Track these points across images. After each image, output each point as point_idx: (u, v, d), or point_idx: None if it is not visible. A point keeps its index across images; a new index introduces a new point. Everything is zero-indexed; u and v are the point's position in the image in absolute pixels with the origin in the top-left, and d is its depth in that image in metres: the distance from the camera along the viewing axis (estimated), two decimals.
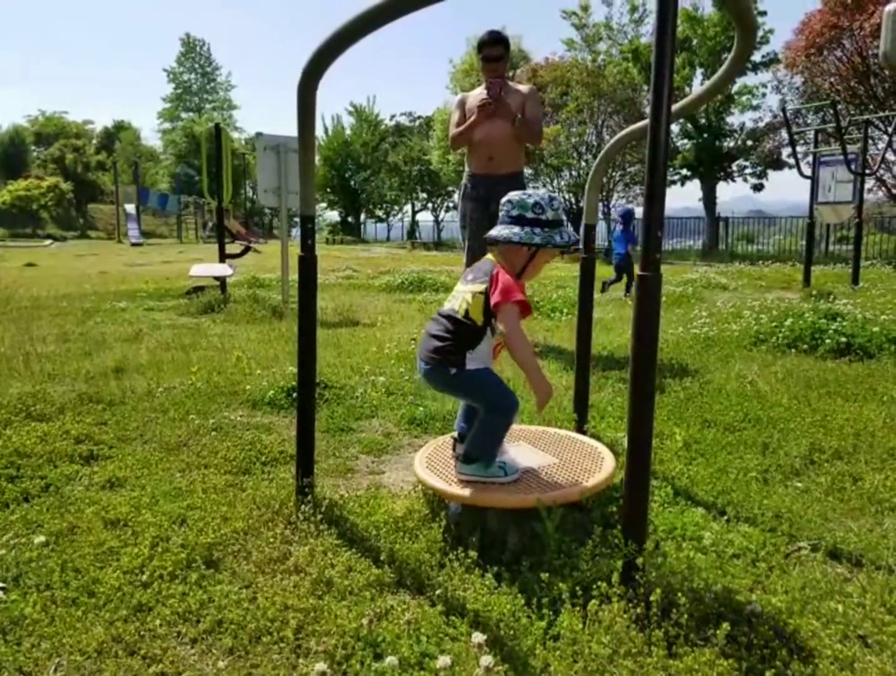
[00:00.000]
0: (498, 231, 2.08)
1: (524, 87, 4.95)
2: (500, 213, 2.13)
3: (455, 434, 2.28)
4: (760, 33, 21.61)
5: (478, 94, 4.87)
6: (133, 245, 27.76)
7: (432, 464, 2.21)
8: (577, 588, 1.62)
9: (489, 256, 2.16)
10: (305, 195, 2.17)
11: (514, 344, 2.00)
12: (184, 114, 58.54)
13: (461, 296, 2.10)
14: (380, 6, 1.67)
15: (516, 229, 2.04)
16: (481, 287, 2.04)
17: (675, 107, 2.32)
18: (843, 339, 4.60)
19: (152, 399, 3.59)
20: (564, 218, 2.17)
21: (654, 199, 1.58)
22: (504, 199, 2.13)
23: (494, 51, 4.72)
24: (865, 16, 17.12)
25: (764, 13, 21.73)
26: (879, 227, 20.93)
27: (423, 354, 2.11)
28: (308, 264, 2.17)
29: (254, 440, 2.95)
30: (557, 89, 22.75)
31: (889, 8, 1.16)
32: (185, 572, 1.83)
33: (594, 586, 1.60)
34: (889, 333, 4.70)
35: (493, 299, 1.99)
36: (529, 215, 2.05)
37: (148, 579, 1.79)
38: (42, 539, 2.00)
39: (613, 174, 23.05)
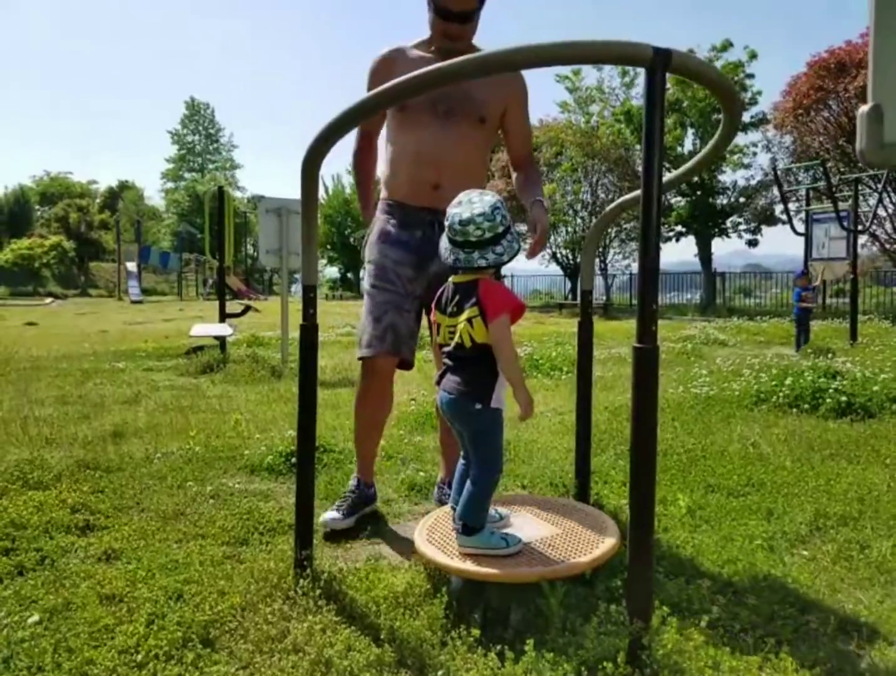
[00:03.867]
0: (482, 259, 1.94)
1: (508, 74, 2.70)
2: (457, 239, 1.95)
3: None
4: (749, 95, 22.28)
5: (418, 56, 2.67)
6: (133, 302, 27.99)
7: (433, 536, 2.18)
8: (583, 668, 1.58)
9: (453, 278, 2.05)
10: (308, 265, 2.19)
11: (505, 354, 1.91)
12: (187, 174, 59.92)
13: (457, 329, 1.99)
14: (382, 93, 1.73)
15: (498, 249, 1.94)
16: (475, 309, 1.94)
17: (665, 179, 2.38)
18: (844, 399, 4.60)
19: (150, 465, 3.56)
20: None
21: (649, 274, 1.60)
22: (455, 224, 1.93)
23: (465, 3, 2.56)
24: (849, 79, 17.63)
25: (752, 76, 22.43)
26: (875, 281, 21.14)
27: (448, 385, 2.03)
28: (309, 333, 2.18)
29: (251, 508, 2.92)
30: (552, 149, 23.27)
31: (862, 110, 1.20)
32: (181, 651, 1.79)
33: (600, 666, 1.56)
34: (889, 392, 4.70)
35: (492, 314, 1.90)
36: (501, 229, 1.94)
37: (143, 659, 1.74)
38: (36, 617, 1.96)
39: (609, 231, 23.40)
